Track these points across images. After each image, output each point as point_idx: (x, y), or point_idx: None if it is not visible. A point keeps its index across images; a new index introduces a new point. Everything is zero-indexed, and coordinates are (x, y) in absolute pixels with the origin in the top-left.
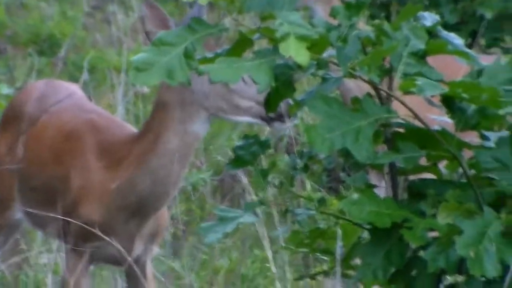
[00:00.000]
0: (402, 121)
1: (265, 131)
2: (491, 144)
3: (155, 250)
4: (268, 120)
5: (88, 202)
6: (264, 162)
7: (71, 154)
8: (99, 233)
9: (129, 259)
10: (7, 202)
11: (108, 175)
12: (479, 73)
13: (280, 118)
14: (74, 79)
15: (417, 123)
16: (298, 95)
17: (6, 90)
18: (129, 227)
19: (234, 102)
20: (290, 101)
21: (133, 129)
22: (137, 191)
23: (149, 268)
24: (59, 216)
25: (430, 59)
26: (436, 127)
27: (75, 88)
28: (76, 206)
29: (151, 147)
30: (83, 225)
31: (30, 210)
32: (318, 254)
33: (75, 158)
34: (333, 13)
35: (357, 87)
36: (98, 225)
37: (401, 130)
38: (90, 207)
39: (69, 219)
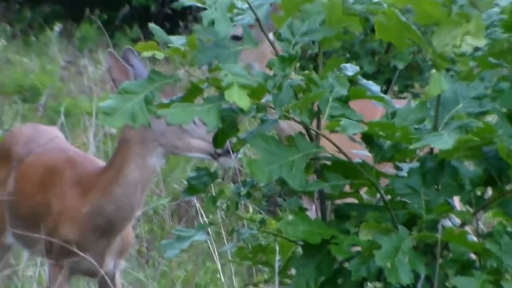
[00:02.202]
0: (329, 155)
1: (214, 164)
2: (404, 173)
3: (123, 263)
4: (215, 156)
5: (66, 224)
6: (214, 190)
7: (52, 185)
8: (76, 250)
9: (101, 271)
10: (0, 227)
11: (81, 202)
12: (393, 114)
13: (226, 153)
14: (52, 122)
15: (341, 156)
16: (241, 134)
17: None
18: (100, 244)
19: (186, 140)
20: (235, 139)
21: (102, 163)
22: (103, 215)
23: (118, 279)
24: (43, 237)
25: (352, 103)
26: (357, 160)
27: (56, 132)
28: (56, 227)
29: (115, 178)
30: (63, 243)
31: (19, 232)
32: (260, 266)
33: (55, 188)
34: (269, 65)
35: (290, 127)
36: (75, 243)
37: (328, 162)
38: (67, 228)
39: (51, 239)
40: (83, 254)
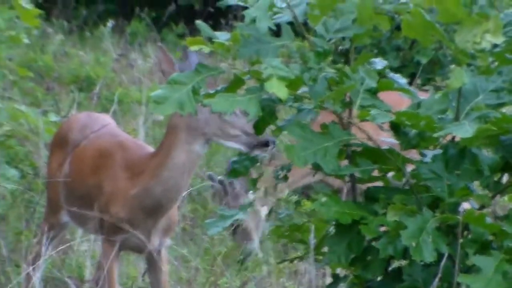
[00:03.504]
0: (359, 142)
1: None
2: (428, 159)
3: (168, 241)
4: (252, 148)
5: (116, 204)
6: (254, 173)
7: (104, 168)
8: (126, 227)
9: (149, 247)
10: (57, 207)
11: (130, 184)
12: (418, 105)
13: (262, 146)
14: (106, 110)
15: (371, 143)
16: (279, 122)
17: (54, 118)
18: (147, 223)
19: (227, 130)
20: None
21: (151, 148)
22: (152, 197)
23: (164, 254)
24: (96, 215)
25: (380, 94)
26: (385, 146)
27: (108, 119)
28: (108, 207)
29: (163, 162)
30: (114, 221)
31: (74, 211)
32: (295, 243)
33: (107, 171)
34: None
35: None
36: (124, 221)
37: (359, 149)
38: (118, 208)
39: (103, 217)
40: (132, 231)
